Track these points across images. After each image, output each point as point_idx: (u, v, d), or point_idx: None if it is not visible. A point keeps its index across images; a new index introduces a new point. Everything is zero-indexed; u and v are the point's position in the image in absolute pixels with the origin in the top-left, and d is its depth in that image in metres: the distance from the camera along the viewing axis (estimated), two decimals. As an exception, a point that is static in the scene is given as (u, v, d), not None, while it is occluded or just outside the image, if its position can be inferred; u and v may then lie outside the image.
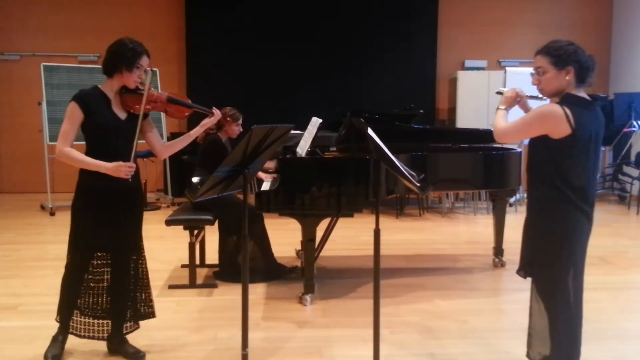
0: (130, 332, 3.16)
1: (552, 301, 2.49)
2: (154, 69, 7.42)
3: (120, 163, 2.87)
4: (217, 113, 3.23)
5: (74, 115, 2.87)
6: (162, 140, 3.23)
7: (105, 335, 3.11)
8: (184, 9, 8.92)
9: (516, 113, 2.73)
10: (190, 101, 3.27)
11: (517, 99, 2.72)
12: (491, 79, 8.32)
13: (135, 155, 2.95)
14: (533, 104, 2.73)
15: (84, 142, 2.98)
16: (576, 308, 2.50)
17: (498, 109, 2.70)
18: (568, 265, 2.46)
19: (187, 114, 3.22)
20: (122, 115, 2.98)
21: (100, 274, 3.05)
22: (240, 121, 4.62)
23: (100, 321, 3.09)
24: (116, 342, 3.14)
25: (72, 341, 3.11)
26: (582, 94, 2.46)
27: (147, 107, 3.00)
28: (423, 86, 9.19)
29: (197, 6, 8.88)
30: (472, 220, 7.30)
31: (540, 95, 2.56)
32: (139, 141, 2.98)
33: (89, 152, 2.94)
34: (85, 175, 2.94)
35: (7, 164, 8.99)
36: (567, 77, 2.41)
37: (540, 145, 2.45)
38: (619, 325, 3.66)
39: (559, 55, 2.40)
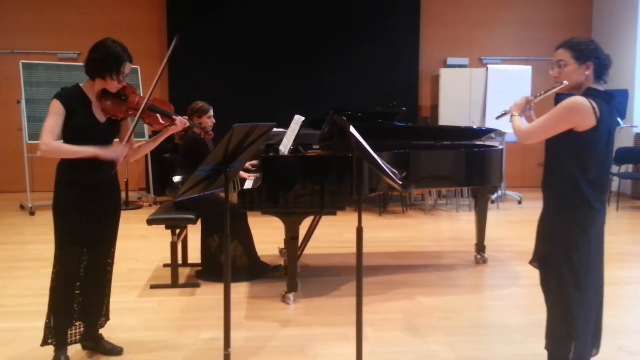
0: (102, 326, 3.14)
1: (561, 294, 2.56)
2: (135, 66, 7.34)
3: (115, 147, 2.90)
4: (180, 120, 3.08)
5: (58, 112, 2.79)
6: (135, 144, 3.12)
7: (78, 337, 3.04)
8: (165, 6, 8.84)
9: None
10: (172, 109, 3.16)
11: (528, 105, 2.77)
12: (473, 76, 8.37)
13: (128, 138, 2.92)
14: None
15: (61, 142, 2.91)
16: (590, 302, 2.58)
17: (512, 115, 2.73)
18: (584, 260, 2.53)
19: (164, 123, 3.07)
20: (101, 118, 2.93)
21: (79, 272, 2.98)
22: (210, 112, 4.57)
23: (77, 322, 3.02)
24: (91, 339, 3.10)
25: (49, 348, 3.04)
26: (601, 89, 2.54)
27: (129, 112, 2.96)
28: (405, 84, 9.22)
29: (179, 3, 8.81)
30: (454, 217, 7.35)
31: (557, 87, 2.58)
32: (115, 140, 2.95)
33: None
34: (65, 171, 2.88)
35: (-14, 163, 8.86)
36: (586, 72, 2.51)
37: (563, 139, 2.50)
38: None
39: (580, 49, 2.51)
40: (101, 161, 2.90)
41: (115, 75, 2.85)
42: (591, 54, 2.51)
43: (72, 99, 2.85)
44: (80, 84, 2.93)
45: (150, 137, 7.94)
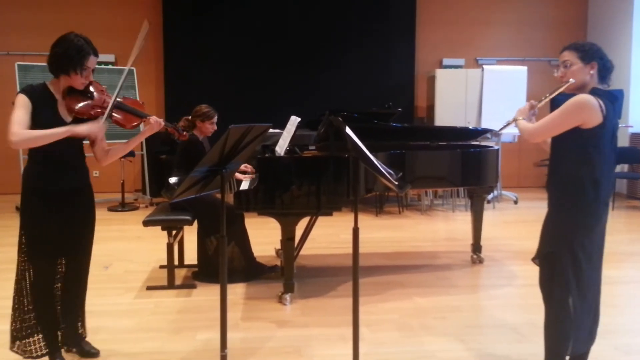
0: (83, 334, 3.09)
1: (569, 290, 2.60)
2: (131, 67, 7.34)
3: (91, 122, 2.73)
4: (155, 121, 2.93)
5: (25, 105, 2.63)
6: (106, 147, 2.96)
7: (60, 343, 2.99)
8: (161, 6, 8.83)
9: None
10: (145, 110, 3.01)
11: (532, 110, 2.82)
12: (469, 76, 8.38)
13: (109, 111, 2.77)
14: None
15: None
16: (590, 298, 2.64)
17: (516, 120, 2.79)
18: (588, 258, 2.58)
19: (135, 123, 2.92)
20: (67, 118, 2.77)
21: (58, 281, 2.92)
22: (214, 119, 4.55)
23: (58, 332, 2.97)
24: (73, 343, 3.06)
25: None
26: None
27: (93, 112, 2.80)
28: (402, 84, 9.24)
29: (174, 4, 8.80)
30: (450, 217, 7.36)
31: (562, 86, 2.64)
32: (84, 141, 2.84)
33: (29, 155, 2.77)
34: (31, 178, 2.76)
35: (-19, 165, 8.83)
36: (591, 72, 2.58)
37: (569, 137, 2.55)
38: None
39: (585, 50, 2.60)
40: (72, 165, 2.81)
41: (80, 70, 2.70)
42: (595, 55, 2.58)
43: (38, 96, 2.69)
44: (47, 82, 2.78)
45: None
